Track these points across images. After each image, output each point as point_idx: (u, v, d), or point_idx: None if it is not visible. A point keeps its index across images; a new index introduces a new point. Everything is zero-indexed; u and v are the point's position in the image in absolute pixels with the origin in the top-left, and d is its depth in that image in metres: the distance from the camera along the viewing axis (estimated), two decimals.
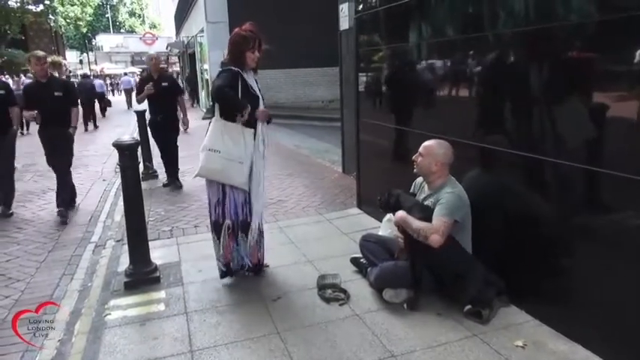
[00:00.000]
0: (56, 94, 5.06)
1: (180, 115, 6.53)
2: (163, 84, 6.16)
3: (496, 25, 2.90)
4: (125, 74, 29.87)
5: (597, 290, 2.32)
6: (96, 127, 14.81)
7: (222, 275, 3.32)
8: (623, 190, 2.17)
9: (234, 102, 2.96)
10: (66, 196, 5.36)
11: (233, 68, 3.02)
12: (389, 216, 3.46)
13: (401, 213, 2.86)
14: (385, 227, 3.45)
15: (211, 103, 3.22)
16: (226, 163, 3.00)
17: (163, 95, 6.14)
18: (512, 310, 2.78)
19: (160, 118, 6.24)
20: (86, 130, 13.98)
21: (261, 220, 3.29)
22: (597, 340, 2.34)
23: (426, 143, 2.95)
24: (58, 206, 5.25)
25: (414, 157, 2.97)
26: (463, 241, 2.82)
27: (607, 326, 2.28)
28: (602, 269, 2.29)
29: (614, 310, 2.25)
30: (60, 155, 5.26)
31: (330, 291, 3.06)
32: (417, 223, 2.73)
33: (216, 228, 3.24)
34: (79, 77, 22.47)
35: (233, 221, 3.18)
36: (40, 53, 5.19)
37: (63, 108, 5.14)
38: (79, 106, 5.81)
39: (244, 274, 3.36)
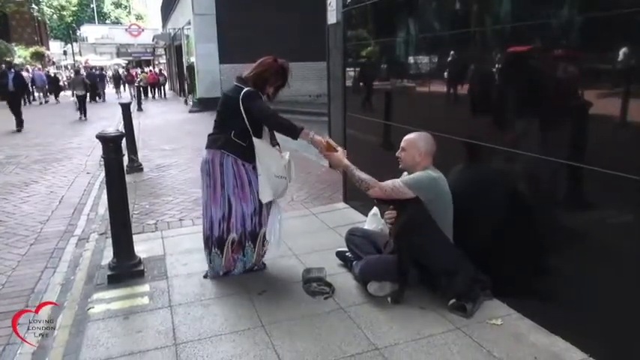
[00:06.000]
0: None
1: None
2: None
3: (483, 22, 2.92)
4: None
5: (577, 285, 2.36)
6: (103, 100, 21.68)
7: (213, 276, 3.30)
8: (605, 187, 2.19)
9: (292, 128, 3.13)
10: None
11: (260, 93, 3.19)
12: (375, 210, 3.48)
13: (346, 162, 2.96)
14: (371, 221, 3.46)
15: (221, 119, 3.16)
16: (287, 185, 3.25)
17: None
18: (495, 303, 2.81)
19: None
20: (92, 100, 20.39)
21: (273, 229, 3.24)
22: (576, 332, 2.38)
23: (407, 137, 2.96)
24: None
25: (397, 154, 2.98)
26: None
27: (585, 319, 2.32)
28: (581, 264, 2.33)
29: (592, 304, 2.29)
30: None
31: (316, 284, 3.07)
32: (358, 173, 2.89)
33: (220, 243, 3.18)
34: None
35: (240, 234, 3.17)
36: None
37: None
38: None
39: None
